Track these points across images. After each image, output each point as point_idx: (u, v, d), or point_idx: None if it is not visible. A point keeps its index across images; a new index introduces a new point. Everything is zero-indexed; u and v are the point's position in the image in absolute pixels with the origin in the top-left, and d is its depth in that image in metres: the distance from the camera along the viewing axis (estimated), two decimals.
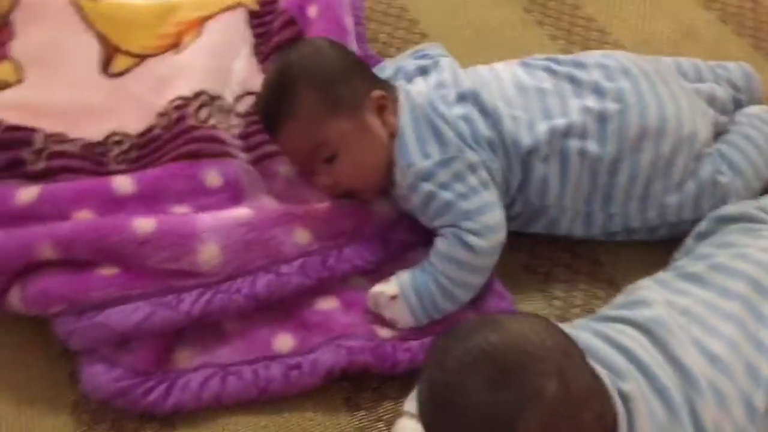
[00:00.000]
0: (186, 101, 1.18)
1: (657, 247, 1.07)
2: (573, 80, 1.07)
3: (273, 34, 1.32)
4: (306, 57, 1.05)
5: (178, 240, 0.99)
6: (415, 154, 1.01)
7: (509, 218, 1.04)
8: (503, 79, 1.08)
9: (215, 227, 1.01)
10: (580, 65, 1.09)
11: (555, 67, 1.10)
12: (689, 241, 0.99)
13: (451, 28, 1.40)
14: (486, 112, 1.04)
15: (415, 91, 1.06)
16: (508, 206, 1.05)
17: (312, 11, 1.32)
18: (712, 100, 1.12)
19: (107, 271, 0.99)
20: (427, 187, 1.01)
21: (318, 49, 1.07)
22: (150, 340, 0.97)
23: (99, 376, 0.94)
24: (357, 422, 0.95)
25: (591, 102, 1.04)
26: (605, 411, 0.73)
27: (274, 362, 0.97)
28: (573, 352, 0.73)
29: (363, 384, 0.97)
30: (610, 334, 0.82)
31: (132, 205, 1.05)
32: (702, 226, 0.99)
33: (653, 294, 0.87)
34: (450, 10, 1.44)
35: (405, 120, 1.03)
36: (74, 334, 0.95)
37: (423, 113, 1.03)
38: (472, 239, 0.98)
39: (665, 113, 1.04)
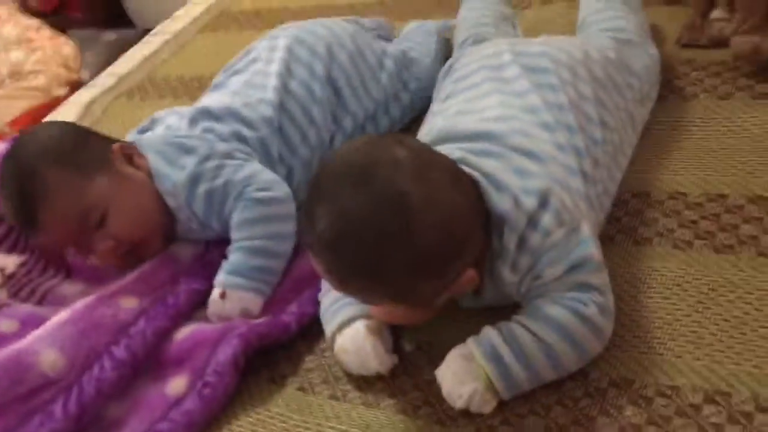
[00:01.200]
0: None
1: None
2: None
3: None
4: (32, 144, 1.03)
5: (11, 364, 0.90)
6: (173, 173, 1.04)
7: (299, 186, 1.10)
8: (217, 93, 1.17)
9: (41, 337, 0.94)
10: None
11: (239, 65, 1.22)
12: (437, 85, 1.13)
13: None
14: (219, 117, 1.11)
15: (148, 137, 1.10)
16: (290, 175, 1.11)
17: None
18: None
19: None
20: (201, 189, 1.03)
21: (39, 133, 1.06)
22: None
23: None
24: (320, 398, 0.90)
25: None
26: (454, 166, 0.83)
27: (180, 403, 0.90)
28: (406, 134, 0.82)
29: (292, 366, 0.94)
30: None
31: None
32: (440, 73, 1.13)
33: (434, 119, 1.01)
34: None
35: (152, 157, 1.06)
36: None
37: (164, 143, 1.07)
38: (261, 194, 1.02)
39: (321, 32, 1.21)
